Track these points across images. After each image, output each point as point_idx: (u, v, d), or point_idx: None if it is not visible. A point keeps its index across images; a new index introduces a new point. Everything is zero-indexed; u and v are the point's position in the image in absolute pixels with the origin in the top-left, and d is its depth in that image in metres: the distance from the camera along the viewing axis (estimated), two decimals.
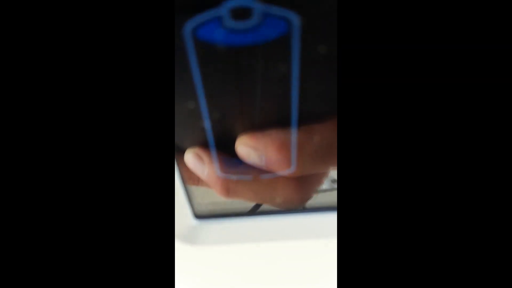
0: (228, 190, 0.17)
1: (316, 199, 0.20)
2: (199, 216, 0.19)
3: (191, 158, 0.17)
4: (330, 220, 0.20)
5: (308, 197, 0.19)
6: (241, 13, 0.11)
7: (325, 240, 0.20)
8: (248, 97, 0.14)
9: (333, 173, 0.20)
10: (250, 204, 0.20)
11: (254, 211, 0.20)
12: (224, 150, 0.16)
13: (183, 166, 0.17)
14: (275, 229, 0.20)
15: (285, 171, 0.17)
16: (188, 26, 0.11)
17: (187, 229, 0.19)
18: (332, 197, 0.20)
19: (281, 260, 0.21)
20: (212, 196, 0.19)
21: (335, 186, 0.20)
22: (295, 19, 0.11)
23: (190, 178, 0.18)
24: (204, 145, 0.16)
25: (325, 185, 0.20)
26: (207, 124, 0.14)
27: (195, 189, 0.18)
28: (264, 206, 0.20)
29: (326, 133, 0.15)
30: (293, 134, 0.15)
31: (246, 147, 0.16)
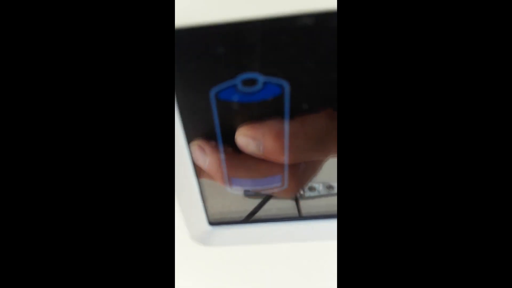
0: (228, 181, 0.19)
1: (312, 205, 0.22)
2: (212, 223, 0.23)
3: (194, 150, 0.17)
4: (330, 226, 0.22)
5: (303, 185, 0.20)
6: (249, 82, 0.16)
7: (327, 243, 0.23)
8: None
9: (329, 180, 0.22)
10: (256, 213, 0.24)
11: (261, 206, 0.23)
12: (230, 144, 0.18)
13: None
14: (280, 233, 0.23)
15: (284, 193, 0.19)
16: (213, 91, 0.16)
17: (203, 233, 0.23)
18: (327, 203, 0.22)
19: (285, 261, 0.24)
20: (224, 206, 0.23)
21: (331, 192, 0.23)
22: (287, 86, 0.16)
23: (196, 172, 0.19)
24: (207, 136, 0.18)
25: (322, 191, 0.22)
26: (222, 157, 0.19)
27: (210, 200, 0.23)
28: (271, 213, 0.23)
29: (319, 123, 0.16)
30: (288, 124, 0.16)
31: (245, 137, 0.17)
